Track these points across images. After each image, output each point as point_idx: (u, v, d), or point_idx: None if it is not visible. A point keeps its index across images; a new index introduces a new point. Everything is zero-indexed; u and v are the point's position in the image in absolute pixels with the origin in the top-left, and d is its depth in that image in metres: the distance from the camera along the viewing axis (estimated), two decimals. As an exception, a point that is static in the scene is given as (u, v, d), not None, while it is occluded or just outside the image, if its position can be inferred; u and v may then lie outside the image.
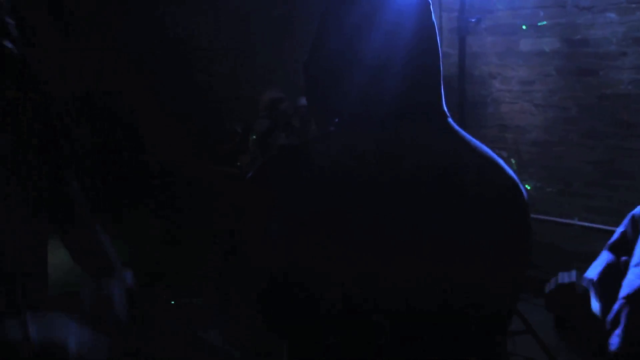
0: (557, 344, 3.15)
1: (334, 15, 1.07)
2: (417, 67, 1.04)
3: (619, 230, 2.11)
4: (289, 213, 0.98)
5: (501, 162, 1.07)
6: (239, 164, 5.00)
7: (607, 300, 1.71)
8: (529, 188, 4.18)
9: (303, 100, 4.60)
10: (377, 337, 0.99)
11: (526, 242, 1.06)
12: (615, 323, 1.57)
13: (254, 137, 4.74)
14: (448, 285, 0.98)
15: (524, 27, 4.06)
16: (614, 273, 1.82)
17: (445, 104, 1.09)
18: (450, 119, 1.09)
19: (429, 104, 1.07)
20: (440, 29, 4.33)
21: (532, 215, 1.08)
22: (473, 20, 3.51)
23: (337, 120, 1.07)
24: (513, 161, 4.25)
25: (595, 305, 1.76)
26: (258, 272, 1.02)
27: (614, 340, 1.55)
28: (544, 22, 4.02)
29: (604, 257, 2.06)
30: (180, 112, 6.29)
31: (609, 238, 2.17)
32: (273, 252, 0.99)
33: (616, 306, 1.62)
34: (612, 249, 2.08)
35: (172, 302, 3.95)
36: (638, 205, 2.14)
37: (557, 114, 4.09)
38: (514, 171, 1.09)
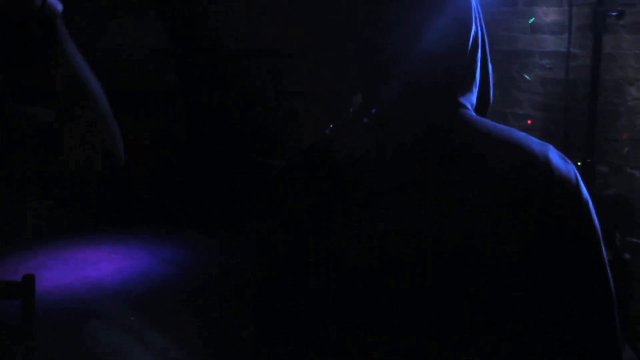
0: None
1: (373, 5, 1.03)
2: (436, 50, 0.98)
3: None
4: (294, 222, 1.00)
5: (544, 151, 0.93)
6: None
7: None
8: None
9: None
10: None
11: (576, 243, 0.91)
12: None
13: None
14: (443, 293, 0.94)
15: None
16: None
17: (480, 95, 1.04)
18: (465, 110, 0.99)
19: (438, 91, 1.00)
20: (569, 27, 3.79)
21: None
22: (614, 13, 2.94)
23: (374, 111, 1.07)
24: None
25: None
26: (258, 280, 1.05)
27: None
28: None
29: None
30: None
31: None
32: (276, 259, 1.02)
33: None
34: None
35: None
36: None
37: None
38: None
